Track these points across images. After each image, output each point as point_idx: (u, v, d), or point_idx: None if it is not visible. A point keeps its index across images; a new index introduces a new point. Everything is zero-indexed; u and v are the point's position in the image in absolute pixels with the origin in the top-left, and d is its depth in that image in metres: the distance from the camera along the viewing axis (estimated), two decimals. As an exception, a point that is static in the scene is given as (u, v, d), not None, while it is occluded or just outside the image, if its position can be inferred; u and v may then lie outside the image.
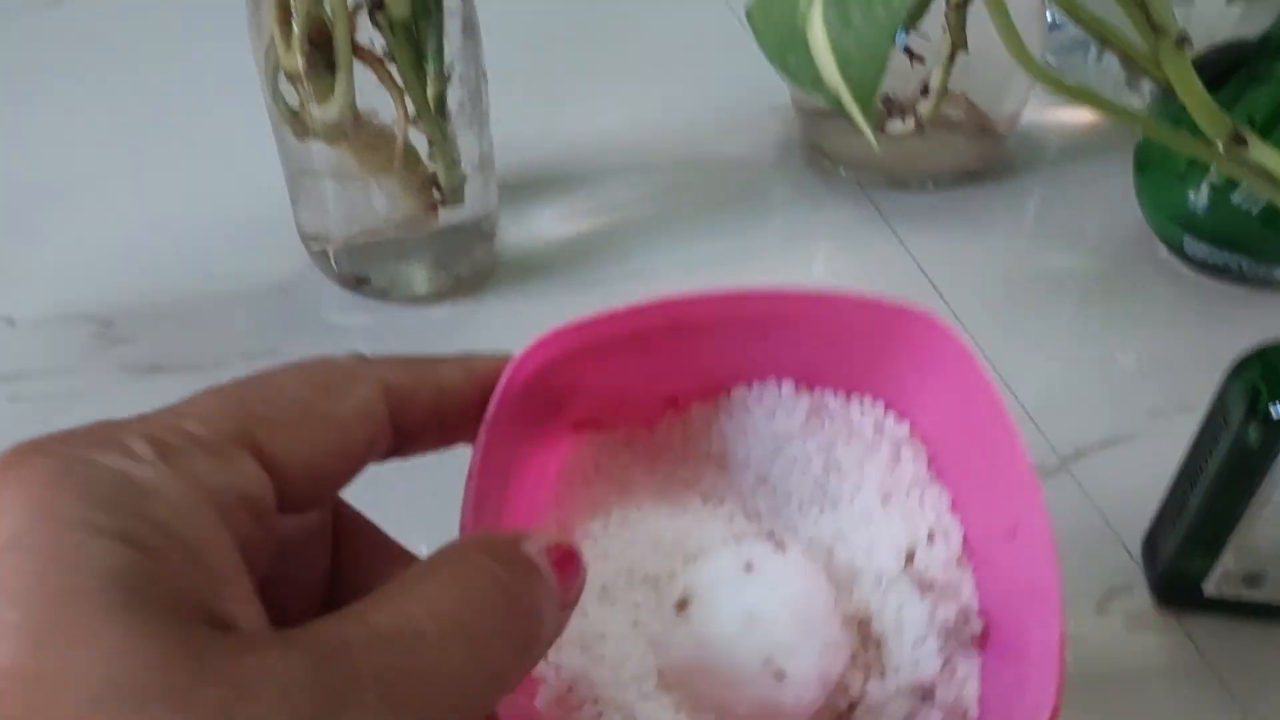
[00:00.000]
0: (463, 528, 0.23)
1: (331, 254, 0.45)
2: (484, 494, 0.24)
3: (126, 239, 0.49)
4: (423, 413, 0.23)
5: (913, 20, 0.47)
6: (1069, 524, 0.39)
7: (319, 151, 0.42)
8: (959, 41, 0.46)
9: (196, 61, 0.58)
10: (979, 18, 0.46)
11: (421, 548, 0.22)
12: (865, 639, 0.26)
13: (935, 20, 0.47)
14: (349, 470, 0.21)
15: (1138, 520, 0.38)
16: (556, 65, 0.59)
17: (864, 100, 0.22)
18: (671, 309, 0.26)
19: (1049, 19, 0.58)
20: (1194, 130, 0.28)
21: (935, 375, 0.27)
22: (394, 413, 0.22)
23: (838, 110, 0.22)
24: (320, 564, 0.23)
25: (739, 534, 0.28)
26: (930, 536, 0.27)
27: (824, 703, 0.25)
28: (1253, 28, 0.45)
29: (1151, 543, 0.37)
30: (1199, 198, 0.45)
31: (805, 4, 0.22)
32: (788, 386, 0.29)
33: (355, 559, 0.24)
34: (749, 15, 0.25)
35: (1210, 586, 0.36)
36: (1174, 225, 0.46)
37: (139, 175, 0.52)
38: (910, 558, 0.27)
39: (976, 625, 0.26)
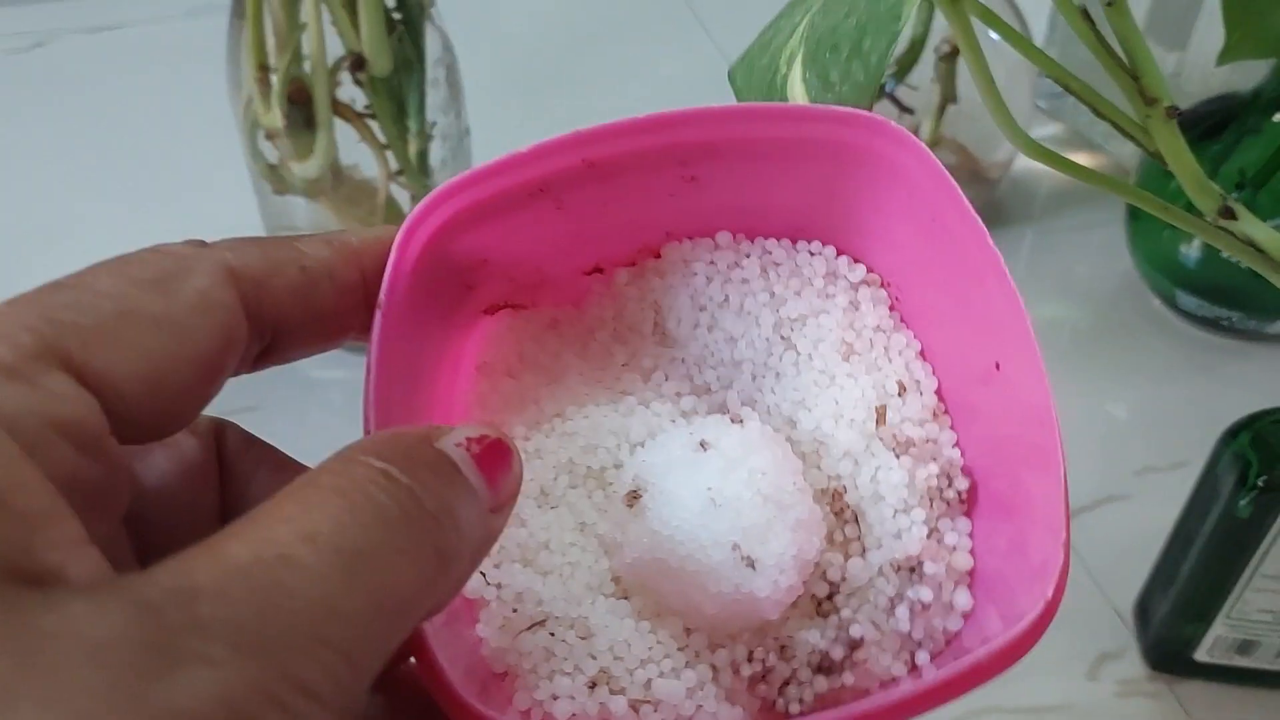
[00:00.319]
0: (365, 434, 0.19)
1: (312, 307, 0.45)
2: (387, 392, 0.20)
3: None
4: (287, 302, 0.19)
5: (902, 72, 0.47)
6: (1060, 586, 0.38)
7: (299, 207, 0.41)
8: (948, 93, 0.46)
9: (176, 108, 0.58)
10: (968, 70, 0.45)
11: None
12: (840, 513, 0.23)
13: (925, 71, 0.46)
14: (204, 381, 0.17)
15: (1130, 583, 0.37)
16: (549, 106, 0.59)
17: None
18: (581, 144, 0.22)
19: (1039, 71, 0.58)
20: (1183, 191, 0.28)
21: (893, 199, 0.23)
22: (249, 304, 0.18)
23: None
24: (206, 499, 0.20)
25: (688, 412, 0.25)
26: (900, 389, 0.24)
27: (801, 590, 0.22)
28: (1246, 79, 0.44)
29: (1143, 608, 0.37)
30: (1191, 251, 0.44)
31: (785, 65, 0.22)
32: (724, 238, 0.25)
33: (251, 490, 0.21)
34: (730, 76, 0.24)
35: (1202, 653, 0.35)
36: (1166, 278, 0.46)
37: (116, 225, 0.52)
38: (881, 416, 0.23)
39: (962, 484, 0.23)
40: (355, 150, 0.40)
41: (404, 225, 0.21)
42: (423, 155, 0.41)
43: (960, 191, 0.21)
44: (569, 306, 0.25)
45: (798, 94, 0.23)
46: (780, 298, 0.24)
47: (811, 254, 0.25)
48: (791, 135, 0.22)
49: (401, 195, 0.42)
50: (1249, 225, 0.28)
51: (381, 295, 0.20)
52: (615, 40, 0.64)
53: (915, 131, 0.47)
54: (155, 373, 0.16)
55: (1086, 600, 0.38)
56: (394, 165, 0.40)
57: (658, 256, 0.25)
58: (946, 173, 0.21)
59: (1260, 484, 0.31)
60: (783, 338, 0.25)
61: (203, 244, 0.18)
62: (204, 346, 0.17)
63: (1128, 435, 0.43)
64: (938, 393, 0.24)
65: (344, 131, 0.39)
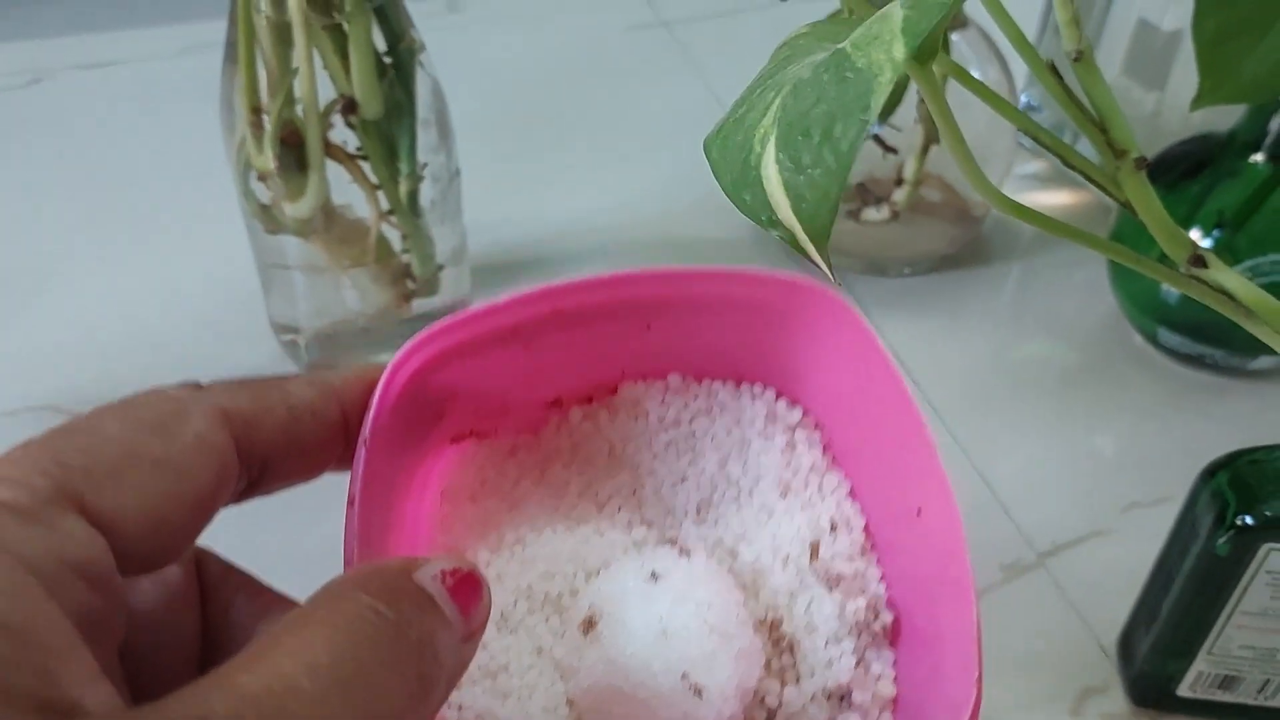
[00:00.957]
0: (347, 562, 0.21)
1: (302, 344, 0.45)
2: (368, 522, 0.21)
3: (98, 325, 0.49)
4: (275, 440, 0.20)
5: (886, 113, 0.47)
6: (1045, 620, 0.39)
7: (290, 245, 0.42)
8: (931, 134, 0.46)
9: (170, 146, 0.58)
10: (953, 101, 0.46)
11: (305, 595, 0.19)
12: (778, 643, 0.25)
13: (909, 111, 0.47)
14: (198, 517, 0.19)
15: (1114, 617, 0.38)
16: (534, 147, 0.60)
17: (819, 240, 0.22)
18: (551, 296, 0.24)
19: (1023, 101, 0.58)
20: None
21: (829, 354, 0.25)
22: (241, 444, 0.20)
23: (794, 248, 0.22)
24: (188, 625, 0.21)
25: (639, 541, 0.26)
26: (833, 526, 0.26)
27: (742, 717, 0.24)
28: (1225, 119, 0.45)
29: (1127, 643, 0.37)
30: (1171, 290, 0.45)
31: (759, 144, 0.22)
32: (675, 380, 0.27)
33: (230, 615, 0.22)
34: (706, 148, 0.25)
35: (1185, 689, 0.35)
36: (1148, 316, 0.46)
37: (109, 262, 0.52)
38: (814, 551, 0.26)
39: (887, 617, 0.25)
40: (347, 190, 0.41)
41: (390, 366, 0.22)
42: (413, 196, 0.41)
43: (886, 353, 0.24)
44: (529, 435, 0.27)
45: (771, 175, 0.24)
46: (724, 438, 0.27)
47: (753, 397, 0.27)
48: (734, 295, 0.25)
49: (392, 235, 0.42)
50: (1220, 274, 0.28)
51: (365, 432, 0.21)
52: (603, 80, 0.65)
53: (900, 171, 0.48)
54: (157, 511, 0.18)
55: (1071, 635, 0.38)
56: (385, 205, 0.41)
57: (614, 393, 0.27)
58: (874, 334, 0.24)
59: (1238, 523, 0.31)
60: (726, 475, 0.27)
61: (199, 386, 0.20)
62: (201, 485, 0.19)
63: (1111, 471, 0.44)
64: (865, 530, 0.26)
65: (335, 172, 0.40)
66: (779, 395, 0.27)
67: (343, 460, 0.22)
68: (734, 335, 0.26)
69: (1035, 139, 0.28)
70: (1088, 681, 0.37)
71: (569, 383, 0.27)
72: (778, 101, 0.22)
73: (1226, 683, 0.35)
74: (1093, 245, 0.29)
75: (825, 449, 0.27)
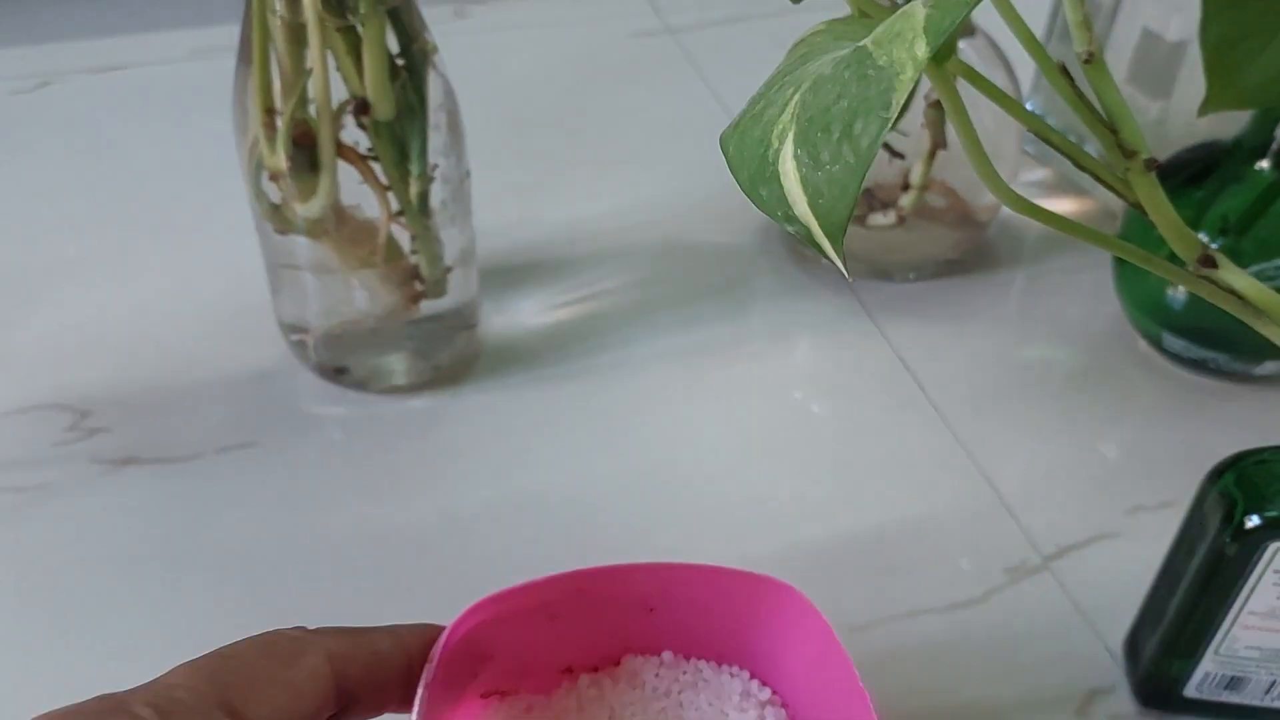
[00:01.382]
0: None
1: (310, 344, 0.45)
2: None
3: (105, 324, 0.49)
4: (361, 678, 0.26)
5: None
6: (1051, 623, 0.39)
7: (300, 245, 0.42)
8: (938, 139, 0.47)
9: (178, 148, 0.59)
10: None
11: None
12: None
13: (915, 117, 0.47)
14: None
15: (1120, 619, 0.38)
16: (541, 152, 0.60)
17: (835, 236, 0.22)
18: (578, 579, 0.30)
19: (1028, 107, 0.59)
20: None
21: (794, 643, 0.31)
22: (337, 678, 0.25)
23: (809, 244, 0.23)
24: None
25: None
26: None
27: None
28: (1230, 127, 0.45)
29: (1133, 644, 0.37)
30: (1177, 294, 0.45)
31: (777, 140, 0.22)
32: (668, 657, 0.33)
33: None
34: (722, 143, 0.25)
35: (1191, 689, 0.35)
36: (1152, 321, 0.46)
37: (119, 261, 0.52)
38: None
39: None
40: (356, 192, 0.41)
41: (449, 626, 0.28)
42: (424, 197, 0.41)
43: (849, 660, 0.28)
44: (542, 696, 0.32)
45: (788, 170, 0.24)
46: (706, 709, 0.32)
47: (731, 675, 0.33)
48: (719, 587, 0.31)
49: (402, 236, 0.42)
50: (1229, 274, 0.28)
51: (428, 677, 0.27)
52: (609, 86, 0.65)
53: (906, 176, 0.48)
54: None
55: (1076, 637, 0.38)
56: (395, 206, 0.41)
57: (617, 664, 0.33)
58: (836, 639, 0.29)
59: (1245, 523, 0.31)
60: None
61: (307, 630, 0.26)
62: (310, 707, 0.25)
63: (1117, 475, 0.44)
64: None
65: (345, 173, 0.40)
66: (752, 675, 0.33)
67: (403, 702, 0.27)
68: (718, 621, 0.32)
69: (1045, 139, 0.29)
70: (1094, 683, 0.37)
71: (580, 652, 0.32)
72: (797, 97, 0.22)
73: (1233, 684, 0.35)
74: (1103, 244, 0.29)
75: None
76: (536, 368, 0.48)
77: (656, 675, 0.33)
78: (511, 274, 0.52)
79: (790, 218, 0.22)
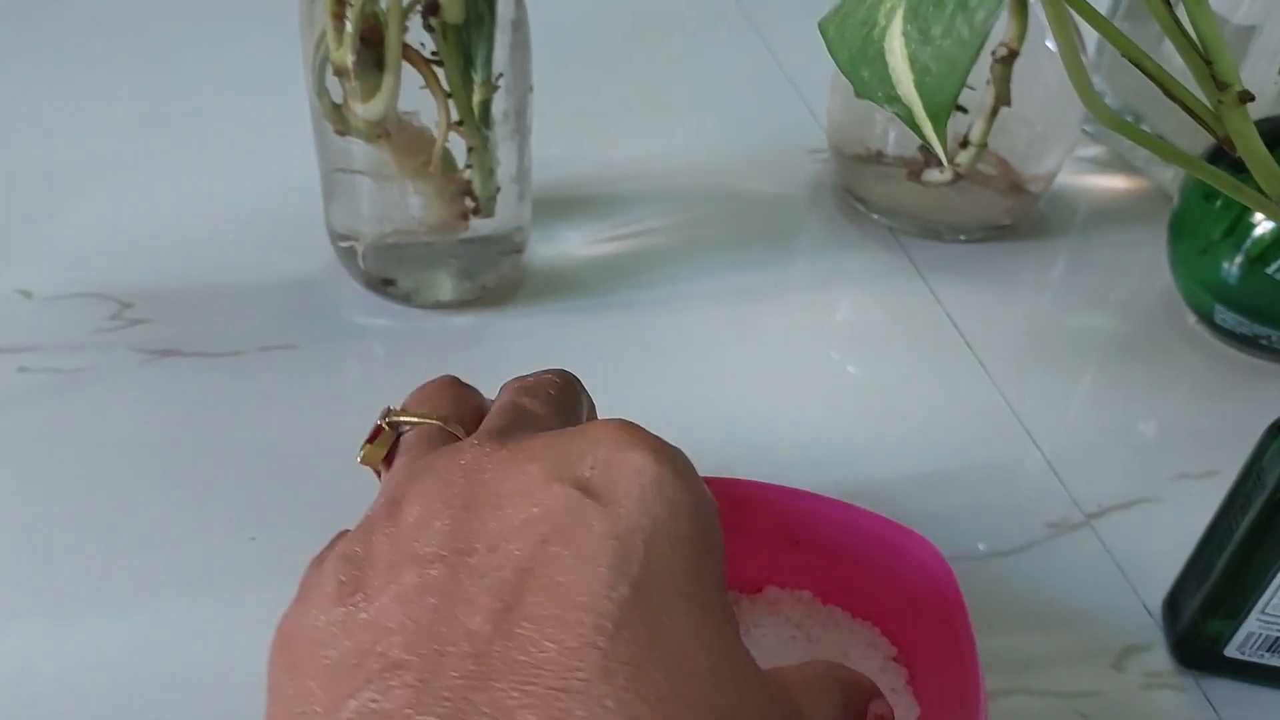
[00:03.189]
0: None
1: (360, 253, 0.45)
2: None
3: (152, 223, 0.48)
4: None
5: (957, 70, 0.47)
6: (1090, 578, 0.38)
7: (357, 149, 0.41)
8: (1003, 95, 0.46)
9: (236, 53, 0.58)
10: (1022, 77, 0.46)
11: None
12: None
13: (979, 73, 0.47)
14: None
15: (1160, 580, 0.37)
16: (598, 91, 0.59)
17: (939, 117, 0.22)
18: (726, 485, 0.31)
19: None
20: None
21: (922, 599, 0.31)
22: None
23: (910, 126, 0.22)
24: None
25: None
26: None
27: None
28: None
29: (1173, 603, 0.37)
30: (1232, 267, 0.45)
31: (885, 18, 0.22)
32: (807, 595, 0.34)
33: None
34: (821, 28, 0.24)
35: (1233, 649, 0.35)
36: (1205, 293, 0.46)
37: (169, 161, 0.52)
38: None
39: None
40: (416, 98, 0.40)
41: None
42: (485, 106, 0.41)
43: (971, 630, 0.29)
44: None
45: (895, 48, 0.23)
46: (833, 648, 0.33)
47: (861, 625, 0.33)
48: (860, 529, 0.32)
49: (459, 151, 0.42)
50: (1319, 210, 0.28)
51: None
52: (669, 36, 0.65)
53: (967, 132, 0.48)
54: None
55: (1115, 594, 0.38)
56: (455, 116, 0.41)
57: (759, 590, 0.34)
58: (964, 604, 0.30)
59: (1309, 473, 0.31)
60: None
61: None
62: None
63: (1161, 443, 0.44)
64: None
65: (409, 80, 0.40)
66: (881, 631, 0.33)
67: None
68: (854, 566, 0.32)
69: (1137, 64, 0.28)
70: (1131, 639, 0.37)
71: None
72: (910, -29, 0.22)
73: (1277, 645, 0.34)
74: (1189, 166, 0.29)
75: (908, 682, 0.33)
76: (580, 297, 0.47)
77: (793, 609, 0.33)
78: (561, 205, 0.51)
79: (892, 97, 0.22)
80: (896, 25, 0.21)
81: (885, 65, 0.22)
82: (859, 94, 0.23)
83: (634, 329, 0.46)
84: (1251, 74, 0.52)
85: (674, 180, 0.54)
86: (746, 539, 0.31)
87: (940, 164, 0.49)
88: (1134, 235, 0.52)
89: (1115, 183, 0.56)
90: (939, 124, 0.21)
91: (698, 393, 0.44)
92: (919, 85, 0.21)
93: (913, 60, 0.21)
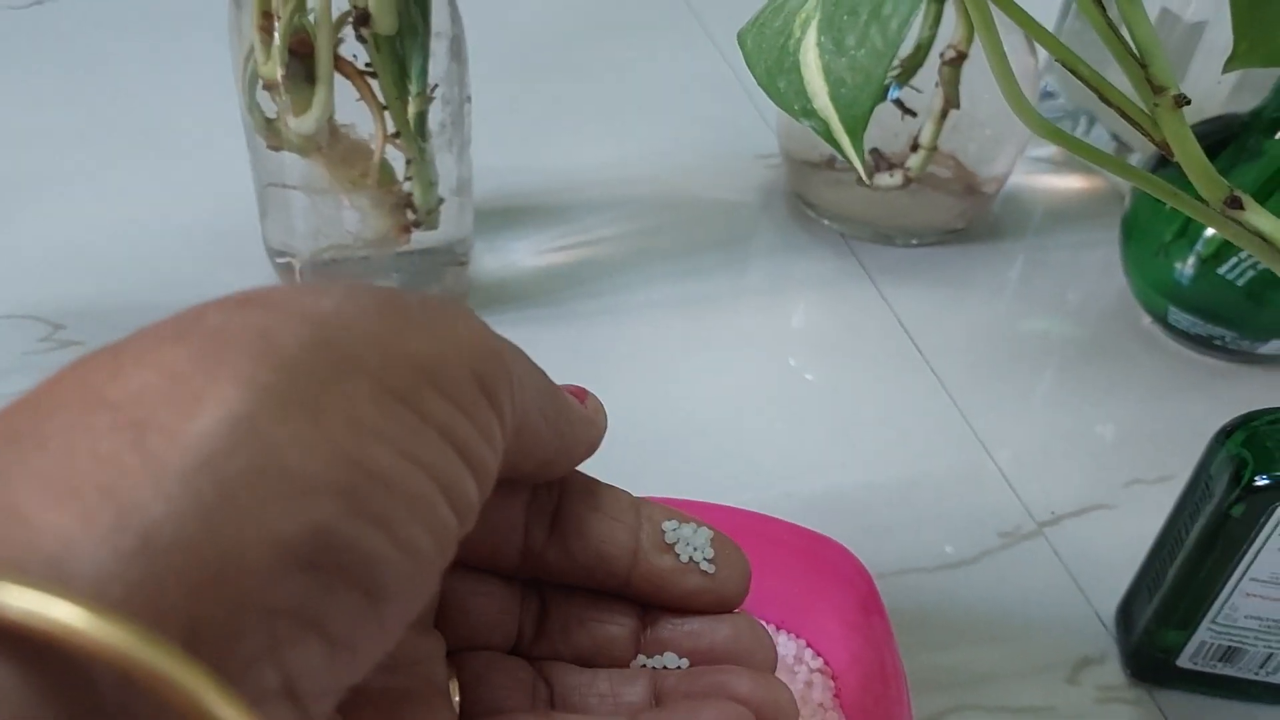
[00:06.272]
0: None
1: (297, 269, 0.44)
2: None
3: (85, 240, 0.47)
4: None
5: (906, 75, 0.47)
6: (1043, 590, 0.38)
7: (292, 163, 0.40)
8: (951, 97, 0.45)
9: (170, 66, 0.57)
10: (971, 79, 0.45)
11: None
12: None
13: (928, 75, 0.46)
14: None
15: (1112, 589, 0.37)
16: (543, 97, 0.59)
17: (855, 130, 0.21)
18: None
19: (1042, 86, 0.58)
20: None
21: (841, 605, 0.32)
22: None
23: (827, 140, 0.21)
24: None
25: None
26: None
27: None
28: (1243, 103, 0.44)
29: (1126, 613, 0.36)
30: (1185, 268, 0.44)
31: (800, 29, 0.21)
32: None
33: None
34: (740, 39, 0.24)
35: (1185, 660, 0.35)
36: (1159, 295, 0.46)
37: (102, 176, 0.51)
38: None
39: None
40: (352, 111, 0.39)
41: None
42: (421, 118, 0.40)
43: (890, 631, 0.30)
44: None
45: (810, 60, 0.23)
46: None
47: (787, 638, 0.33)
48: (773, 538, 0.32)
49: (397, 163, 0.41)
50: (1256, 216, 0.27)
51: None
52: (618, 38, 0.64)
53: (917, 135, 0.47)
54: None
55: (1069, 604, 0.37)
56: (392, 128, 0.40)
57: None
58: (882, 605, 0.31)
59: (1255, 483, 0.30)
60: None
61: None
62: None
63: (1115, 448, 0.43)
64: None
65: (341, 92, 0.39)
66: (807, 642, 0.33)
67: None
68: (771, 577, 0.31)
69: (1072, 70, 0.27)
70: (1085, 651, 0.36)
71: None
72: (825, -23, 0.21)
73: (1229, 655, 0.34)
74: (1128, 175, 0.28)
75: (835, 695, 0.32)
76: (527, 308, 0.46)
77: None
78: (506, 215, 0.50)
79: (809, 111, 0.21)
80: (811, 36, 0.21)
81: (801, 78, 0.21)
82: (779, 106, 0.22)
83: (583, 340, 0.45)
84: (1200, 74, 0.51)
85: (623, 187, 0.53)
86: None
87: (890, 167, 0.49)
88: (1089, 236, 0.52)
89: (1070, 183, 0.56)
90: (855, 137, 0.20)
91: (645, 406, 0.43)
92: (834, 97, 0.20)
93: (827, 72, 0.20)
